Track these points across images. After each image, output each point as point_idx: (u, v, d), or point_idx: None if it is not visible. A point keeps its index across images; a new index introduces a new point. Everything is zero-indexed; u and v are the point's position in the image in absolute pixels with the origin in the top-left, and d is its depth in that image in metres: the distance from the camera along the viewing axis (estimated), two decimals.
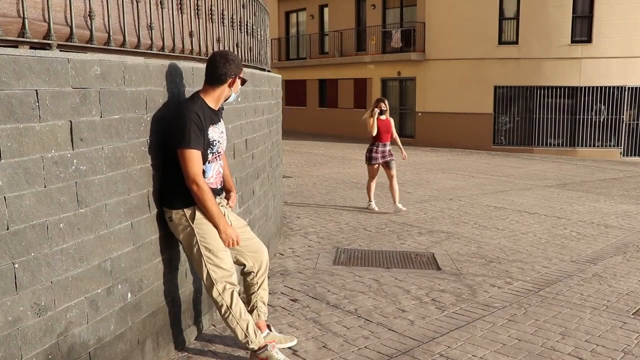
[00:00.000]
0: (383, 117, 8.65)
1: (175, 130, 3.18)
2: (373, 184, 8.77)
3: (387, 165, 8.67)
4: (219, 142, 3.40)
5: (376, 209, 8.69)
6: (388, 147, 8.72)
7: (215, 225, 3.28)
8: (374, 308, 4.57)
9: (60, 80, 2.49)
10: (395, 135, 8.86)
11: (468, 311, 4.55)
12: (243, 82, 3.49)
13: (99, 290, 2.80)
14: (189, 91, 3.57)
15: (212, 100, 3.36)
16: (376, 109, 8.56)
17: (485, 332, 4.14)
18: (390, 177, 8.70)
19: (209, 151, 3.32)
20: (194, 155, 3.16)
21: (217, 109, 3.42)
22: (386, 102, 8.76)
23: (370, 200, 8.79)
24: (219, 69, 3.30)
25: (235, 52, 4.96)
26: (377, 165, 8.65)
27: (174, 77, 3.46)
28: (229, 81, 3.35)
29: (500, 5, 19.45)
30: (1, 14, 2.38)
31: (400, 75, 22.25)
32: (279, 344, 3.72)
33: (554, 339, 4.02)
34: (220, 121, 3.45)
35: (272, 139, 6.38)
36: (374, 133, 8.55)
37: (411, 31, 21.46)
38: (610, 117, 19.00)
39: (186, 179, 3.18)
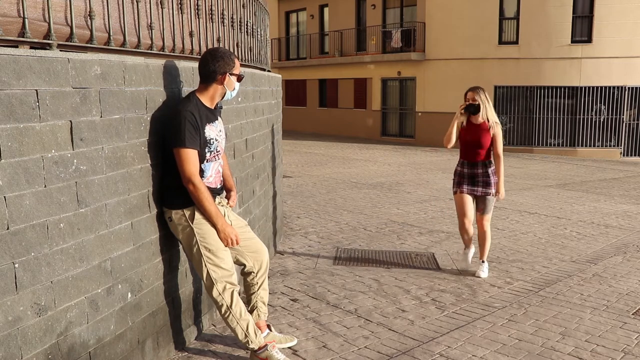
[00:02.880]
0: (479, 118, 5.40)
1: (171, 129, 3.18)
2: (467, 224, 5.46)
3: (476, 201, 5.50)
4: (216, 140, 3.39)
5: (469, 262, 5.67)
6: (481, 170, 5.39)
7: (214, 225, 3.28)
8: (374, 308, 4.57)
9: (61, 80, 2.49)
10: (498, 150, 5.40)
11: (468, 311, 4.55)
12: (239, 79, 3.44)
13: (99, 290, 2.80)
14: (189, 91, 3.57)
15: (207, 98, 3.35)
16: (462, 106, 5.41)
17: (485, 332, 4.14)
18: (478, 221, 5.52)
19: (206, 150, 3.31)
20: (189, 155, 3.16)
21: (213, 108, 3.41)
22: (482, 92, 5.40)
23: (466, 248, 5.67)
24: (208, 67, 3.30)
25: (235, 52, 4.96)
26: (463, 193, 5.44)
27: (174, 76, 3.46)
28: (219, 78, 3.32)
29: (500, 5, 19.46)
30: (1, 13, 2.38)
31: (400, 75, 22.25)
32: (279, 343, 3.72)
33: (554, 339, 4.02)
34: (217, 120, 3.44)
35: (272, 139, 6.38)
36: (449, 144, 5.36)
37: (411, 31, 21.47)
38: (610, 117, 19.00)
39: (182, 179, 3.18)
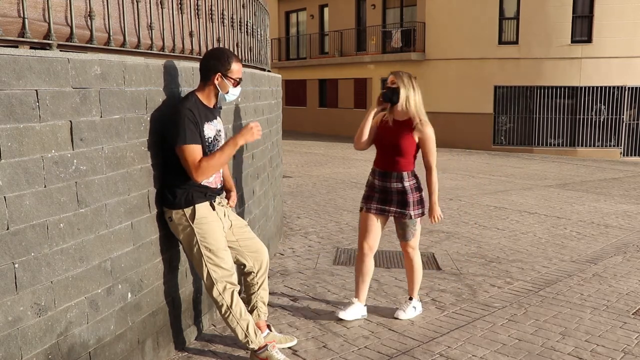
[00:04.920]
0: (399, 107, 4.08)
1: (172, 128, 3.18)
2: (364, 252, 4.24)
3: (395, 224, 4.30)
4: (216, 139, 3.39)
5: (349, 315, 4.24)
6: (395, 183, 4.12)
7: (237, 145, 3.27)
8: (374, 308, 4.57)
9: (61, 80, 2.49)
10: (429, 160, 4.12)
11: (468, 311, 4.55)
12: (236, 83, 3.35)
13: (99, 290, 2.80)
14: (189, 91, 3.57)
15: (205, 97, 3.35)
16: (381, 95, 4.10)
17: (485, 332, 4.14)
18: (402, 247, 4.38)
19: (206, 149, 3.31)
20: (193, 149, 3.15)
21: (212, 107, 3.40)
22: (405, 76, 4.07)
23: (355, 297, 4.36)
24: (203, 65, 3.31)
25: (236, 52, 4.95)
26: (369, 212, 4.22)
27: (173, 77, 3.46)
28: (212, 77, 3.28)
29: (500, 5, 19.46)
30: (1, 14, 2.38)
31: None
32: (279, 343, 3.72)
33: (554, 339, 4.02)
34: (216, 119, 3.43)
35: (272, 139, 6.38)
36: (359, 143, 4.20)
37: (411, 31, 21.47)
38: (610, 117, 19.00)
39: (190, 174, 3.17)
